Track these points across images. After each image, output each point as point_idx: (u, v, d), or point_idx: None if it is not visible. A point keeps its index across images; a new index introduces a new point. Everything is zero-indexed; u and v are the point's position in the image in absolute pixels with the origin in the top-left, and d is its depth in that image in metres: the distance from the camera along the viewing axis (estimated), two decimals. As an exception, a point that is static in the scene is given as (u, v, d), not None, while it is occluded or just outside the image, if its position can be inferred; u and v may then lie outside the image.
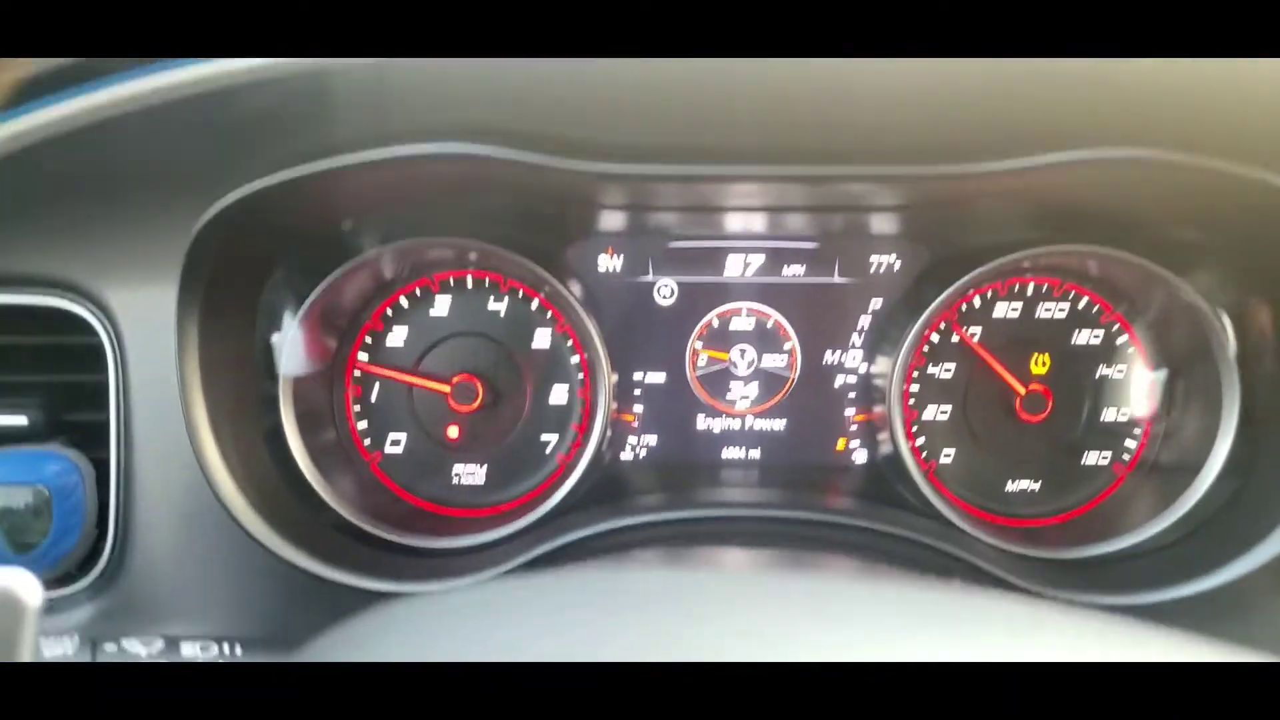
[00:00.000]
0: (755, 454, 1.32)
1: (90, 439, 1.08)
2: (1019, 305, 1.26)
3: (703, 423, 1.32)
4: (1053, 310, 1.26)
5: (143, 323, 1.05)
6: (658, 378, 1.31)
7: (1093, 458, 1.27)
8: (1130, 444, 1.27)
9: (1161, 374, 1.25)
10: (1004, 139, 0.95)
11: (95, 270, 1.04)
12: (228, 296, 1.05)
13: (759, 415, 1.32)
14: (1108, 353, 1.26)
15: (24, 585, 0.57)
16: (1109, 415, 1.27)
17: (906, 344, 1.20)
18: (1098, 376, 1.26)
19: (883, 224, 1.25)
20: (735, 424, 1.32)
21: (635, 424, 1.32)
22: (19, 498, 1.04)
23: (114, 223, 1.00)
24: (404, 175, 1.01)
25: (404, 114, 0.93)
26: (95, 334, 1.06)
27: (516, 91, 0.91)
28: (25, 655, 0.61)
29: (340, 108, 0.93)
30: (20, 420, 1.07)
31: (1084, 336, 1.26)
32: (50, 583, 1.08)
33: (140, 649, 0.67)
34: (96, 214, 1.00)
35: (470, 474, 1.29)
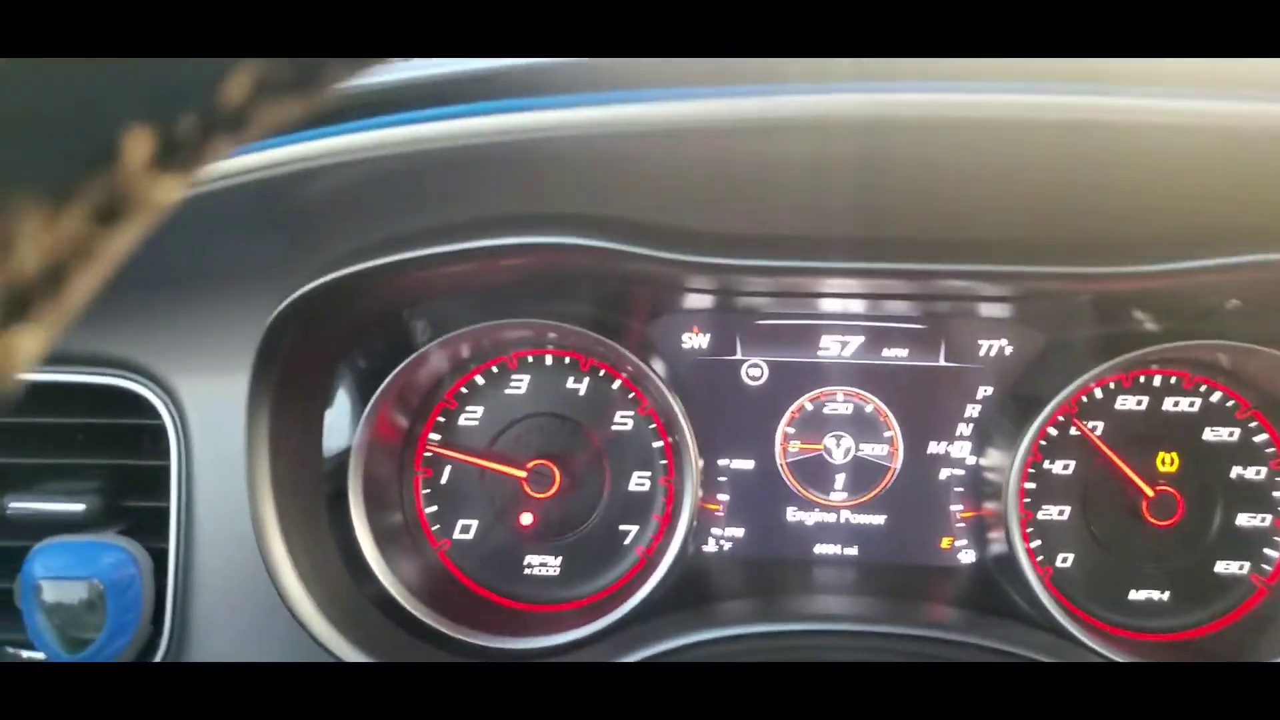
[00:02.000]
0: (851, 551, 1.22)
1: (149, 528, 1.01)
2: (1144, 399, 1.16)
3: (794, 515, 1.23)
4: (1182, 405, 1.16)
5: (209, 408, 0.99)
6: (745, 465, 1.22)
7: (1228, 567, 1.16)
8: (1271, 553, 1.15)
9: (1307, 477, 1.14)
10: (1126, 242, 0.86)
11: (162, 354, 0.99)
12: (299, 385, 0.99)
13: (856, 509, 1.22)
14: (1244, 452, 1.15)
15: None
16: (1245, 520, 1.15)
17: (1026, 439, 1.10)
18: (1233, 477, 1.15)
19: (993, 310, 1.16)
20: (830, 517, 1.22)
21: (720, 514, 1.23)
22: (73, 593, 0.98)
23: (184, 307, 0.95)
24: (486, 264, 0.94)
25: (485, 202, 0.87)
26: (159, 416, 1.00)
27: (601, 177, 0.85)
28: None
29: (420, 195, 0.87)
30: (77, 507, 1.01)
31: (1218, 434, 1.15)
32: (101, 681, 1.02)
33: None
34: (166, 298, 0.94)
35: (544, 565, 1.20)
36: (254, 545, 0.97)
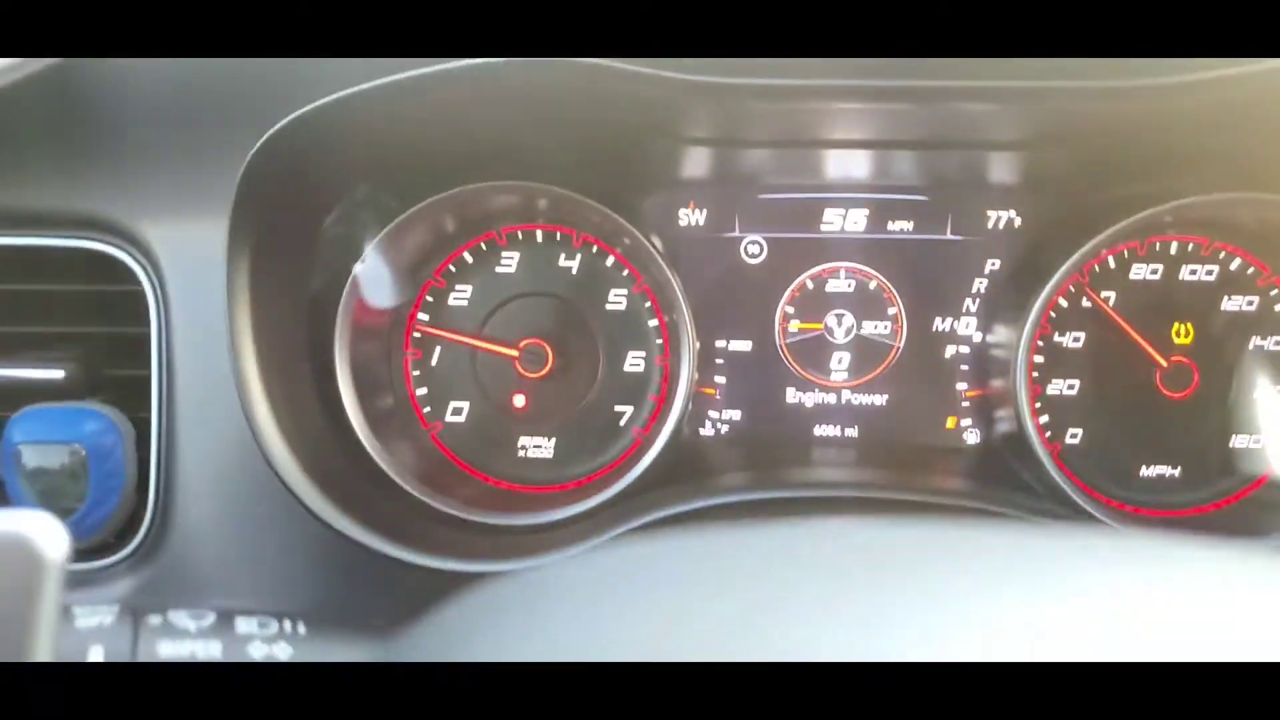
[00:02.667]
0: (852, 432, 1.19)
1: (130, 396, 0.99)
2: (1159, 267, 1.11)
3: (793, 396, 1.19)
4: (1199, 273, 1.11)
5: (189, 268, 0.96)
6: (743, 346, 1.19)
7: (1243, 441, 1.12)
8: (1288, 427, 1.11)
9: (1329, 346, 1.09)
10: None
11: (137, 208, 0.95)
12: (282, 240, 0.95)
13: (857, 389, 1.19)
14: (1264, 322, 1.10)
15: (45, 533, 0.46)
16: (1263, 393, 1.11)
17: (1034, 310, 1.05)
18: (1251, 348, 1.11)
19: (1000, 171, 1.11)
20: (830, 398, 1.19)
21: (717, 396, 1.19)
22: (54, 457, 0.96)
23: (157, 152, 0.91)
24: (469, 97, 0.89)
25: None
26: (137, 281, 0.97)
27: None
28: (46, 619, 0.51)
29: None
30: (56, 374, 0.98)
31: (1236, 303, 1.11)
32: (87, 552, 1.00)
33: (189, 623, 0.57)
34: (138, 144, 0.91)
35: (537, 447, 1.17)
36: (239, 412, 0.94)
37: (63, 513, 0.97)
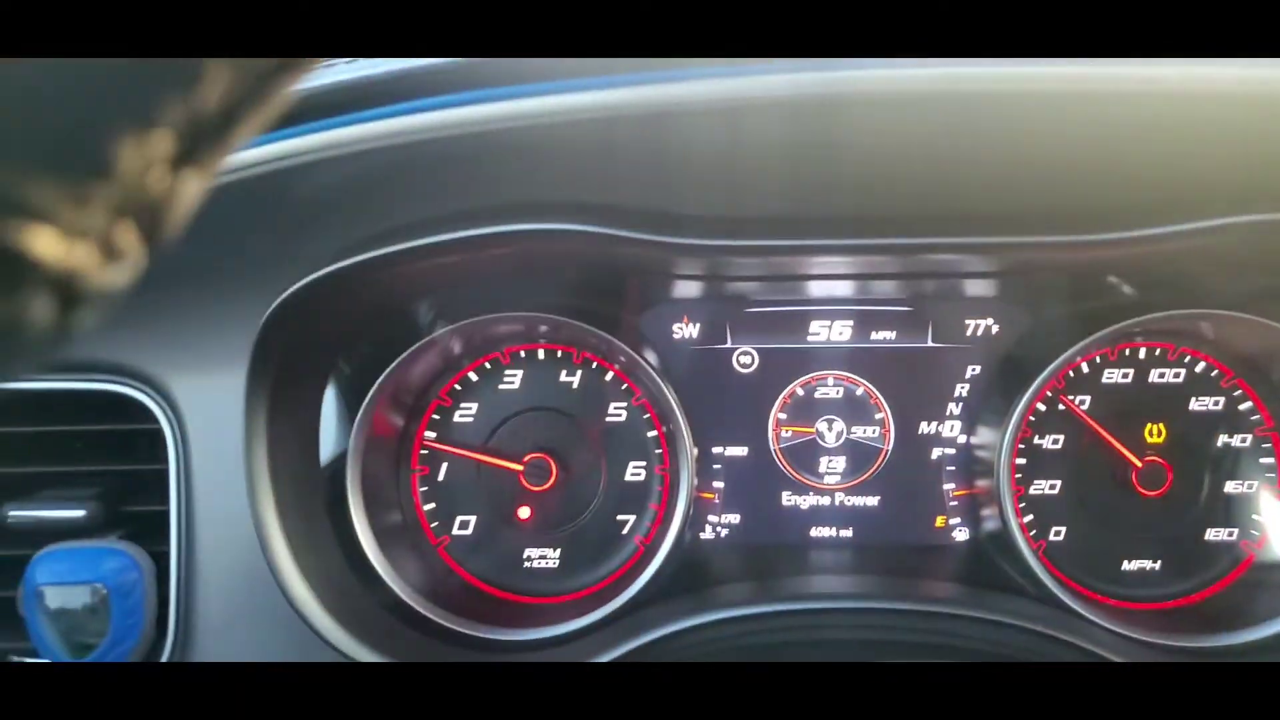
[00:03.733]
0: (847, 533, 1.23)
1: (150, 532, 1.02)
2: (1130, 371, 1.18)
3: (789, 499, 1.24)
4: (1167, 375, 1.17)
5: (206, 409, 1.00)
6: (739, 451, 1.24)
7: (1217, 535, 1.17)
8: (1258, 519, 1.17)
9: (1292, 443, 1.15)
10: (1106, 210, 0.88)
11: (157, 357, 0.99)
12: (295, 382, 1.00)
13: (850, 491, 1.23)
14: (1230, 420, 1.17)
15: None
16: (1234, 488, 1.17)
17: (1015, 415, 1.11)
18: (1220, 446, 1.17)
19: (978, 288, 1.17)
20: (824, 500, 1.24)
21: (716, 501, 1.24)
22: (76, 598, 0.98)
23: (177, 308, 0.95)
24: (477, 254, 0.95)
25: (473, 193, 0.88)
26: (156, 421, 1.00)
27: (587, 165, 0.86)
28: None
29: (410, 188, 0.88)
30: (78, 513, 1.01)
31: (1203, 403, 1.17)
32: (107, 686, 1.02)
33: None
34: (159, 299, 0.95)
35: (543, 558, 1.21)
36: (256, 547, 0.98)
37: (84, 649, 0.99)
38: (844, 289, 1.18)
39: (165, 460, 1.01)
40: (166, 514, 1.01)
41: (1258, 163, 0.82)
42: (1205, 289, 1.07)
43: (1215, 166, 0.84)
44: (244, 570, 1.00)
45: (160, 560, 1.02)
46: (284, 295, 0.88)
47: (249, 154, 0.81)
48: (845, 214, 0.88)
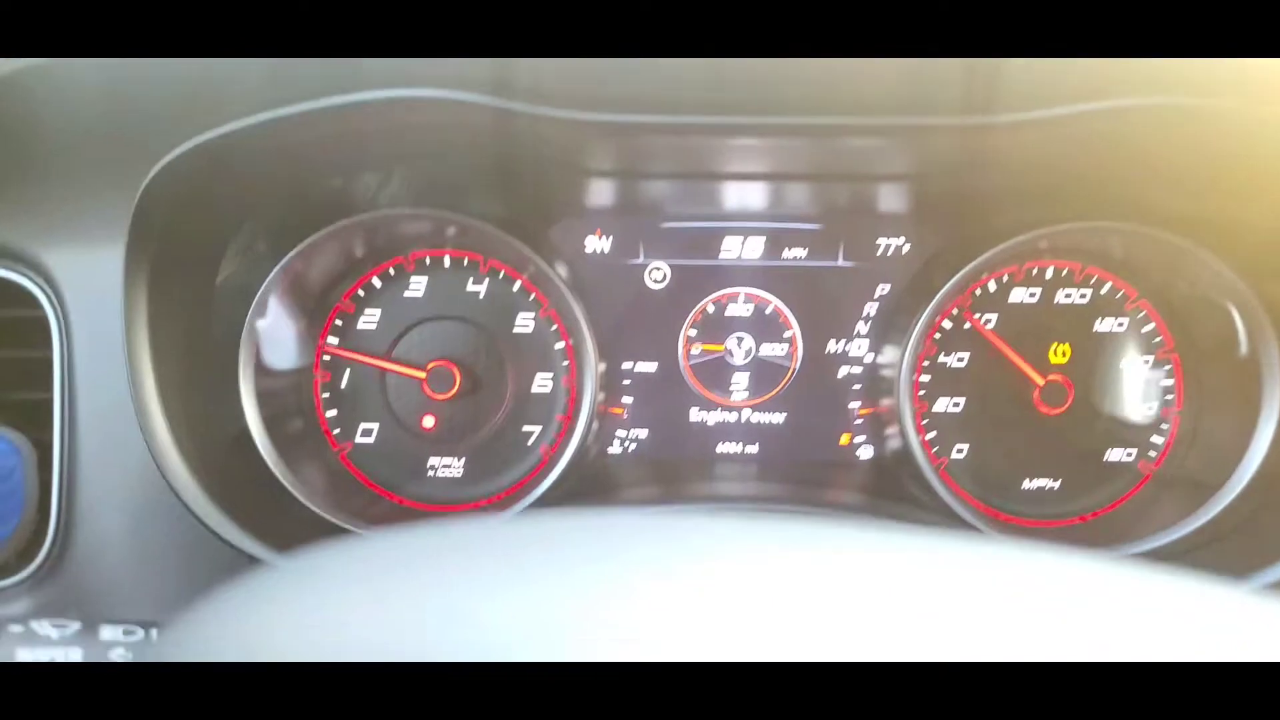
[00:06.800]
0: (753, 449, 1.23)
1: (32, 418, 1.00)
2: (1037, 291, 1.18)
3: (696, 415, 1.24)
4: (1073, 296, 1.18)
5: (90, 294, 0.98)
6: (648, 367, 1.23)
7: (1116, 455, 1.18)
8: (1157, 440, 1.17)
9: (1192, 365, 1.16)
10: (1023, 92, 0.87)
11: (38, 235, 0.97)
12: (182, 264, 0.98)
13: (756, 408, 1.23)
14: (1132, 342, 1.17)
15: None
16: (1133, 410, 1.17)
17: (916, 331, 1.11)
18: (1121, 367, 1.17)
19: (890, 200, 1.17)
20: (731, 417, 1.23)
21: (624, 416, 1.23)
22: (-49, 480, 0.96)
23: (57, 180, 0.93)
24: (375, 129, 0.93)
25: (380, 65, 0.86)
26: (38, 306, 0.98)
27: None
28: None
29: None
30: (-44, 398, 0.99)
31: (1107, 324, 1.17)
32: (-13, 573, 1.01)
33: (51, 630, 0.59)
34: (39, 172, 0.93)
35: (447, 466, 1.20)
36: (139, 434, 0.96)
37: (-39, 534, 0.98)
38: (757, 201, 1.17)
39: (48, 347, 0.99)
40: (49, 401, 0.99)
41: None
42: (1112, 203, 1.07)
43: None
44: (130, 460, 0.98)
45: (42, 448, 1.00)
46: (163, 162, 0.86)
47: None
48: (756, 95, 0.87)
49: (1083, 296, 1.17)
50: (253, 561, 0.98)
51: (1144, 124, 0.88)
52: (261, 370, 1.11)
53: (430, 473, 1.20)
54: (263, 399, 1.10)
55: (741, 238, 1.21)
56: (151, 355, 0.96)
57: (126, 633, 0.61)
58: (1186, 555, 1.07)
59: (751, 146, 1.00)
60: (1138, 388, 1.17)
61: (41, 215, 0.96)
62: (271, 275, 1.09)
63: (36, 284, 0.98)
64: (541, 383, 1.20)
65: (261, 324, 1.10)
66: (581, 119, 0.88)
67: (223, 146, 0.88)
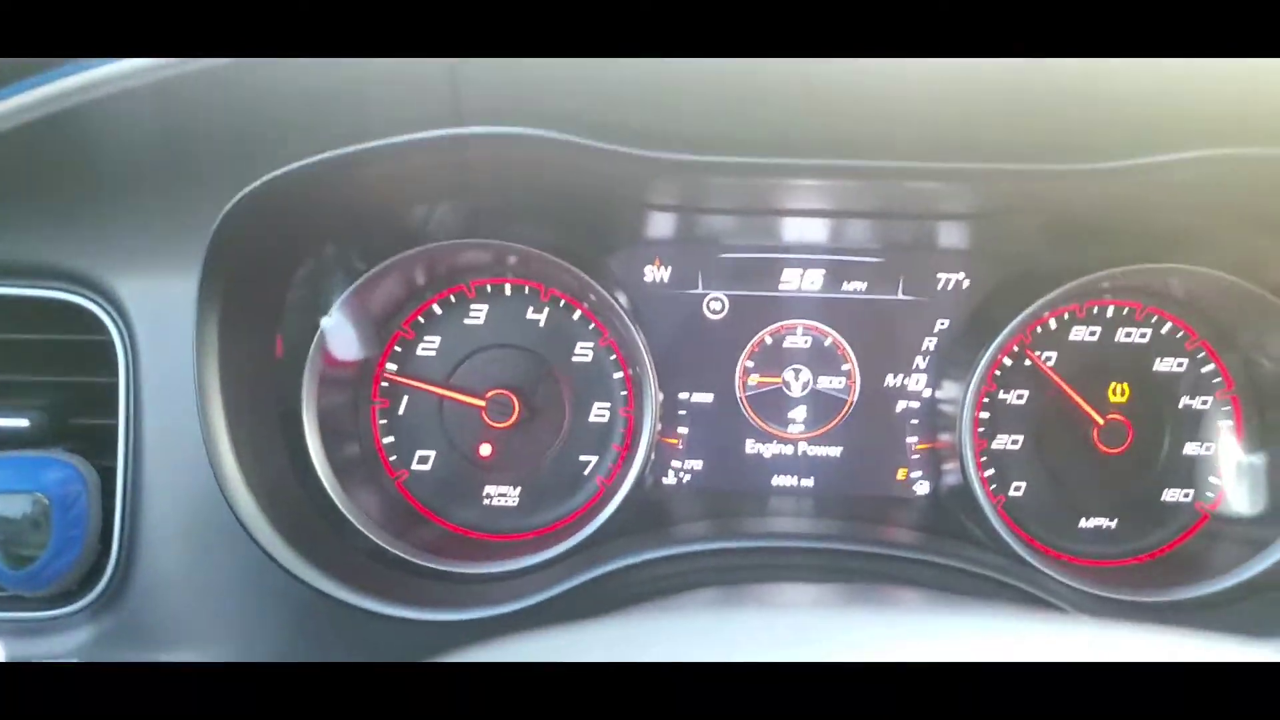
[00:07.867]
0: (808, 482, 1.23)
1: (96, 445, 0.99)
2: (1097, 329, 1.18)
3: (752, 447, 1.23)
4: (1133, 335, 1.18)
5: (158, 320, 0.97)
6: (705, 398, 1.23)
7: (1174, 495, 1.18)
8: (1215, 481, 1.17)
9: (1252, 406, 1.16)
10: (1090, 141, 0.87)
11: (108, 262, 0.96)
12: (251, 294, 0.97)
13: (813, 441, 1.23)
14: (1192, 382, 1.17)
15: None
16: (1192, 450, 1.17)
17: (979, 368, 1.11)
18: (1180, 407, 1.17)
19: (951, 237, 1.17)
20: (788, 450, 1.23)
21: (680, 447, 1.23)
22: (16, 507, 0.96)
23: (130, 210, 0.93)
24: (444, 164, 0.92)
25: (447, 99, 0.85)
26: (106, 331, 0.98)
27: (570, 82, 0.84)
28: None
29: (380, 92, 0.85)
30: (21, 423, 0.98)
31: (1166, 364, 1.17)
32: (47, 601, 1.00)
33: None
34: (111, 200, 0.92)
35: (503, 495, 1.20)
36: (205, 462, 0.95)
37: (24, 561, 0.97)
38: (817, 233, 1.17)
39: (114, 373, 0.98)
40: (114, 428, 0.98)
41: (1236, 97, 0.82)
42: (1175, 244, 1.07)
43: (1189, 102, 0.83)
44: (193, 489, 0.98)
45: (106, 475, 0.99)
46: (240, 195, 0.85)
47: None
48: (823, 136, 0.87)
49: (1143, 336, 1.18)
50: (312, 592, 0.97)
51: (1209, 172, 0.89)
52: (324, 399, 1.10)
53: (486, 501, 1.20)
54: (324, 426, 1.10)
55: (801, 270, 1.21)
56: (220, 383, 0.95)
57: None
58: (1245, 601, 1.07)
59: (813, 186, 1.00)
60: (1196, 428, 1.17)
61: (111, 242, 0.95)
62: (336, 304, 1.08)
63: (104, 309, 0.98)
64: (599, 412, 1.20)
65: (324, 351, 1.09)
66: (651, 157, 0.88)
67: (296, 180, 0.88)
